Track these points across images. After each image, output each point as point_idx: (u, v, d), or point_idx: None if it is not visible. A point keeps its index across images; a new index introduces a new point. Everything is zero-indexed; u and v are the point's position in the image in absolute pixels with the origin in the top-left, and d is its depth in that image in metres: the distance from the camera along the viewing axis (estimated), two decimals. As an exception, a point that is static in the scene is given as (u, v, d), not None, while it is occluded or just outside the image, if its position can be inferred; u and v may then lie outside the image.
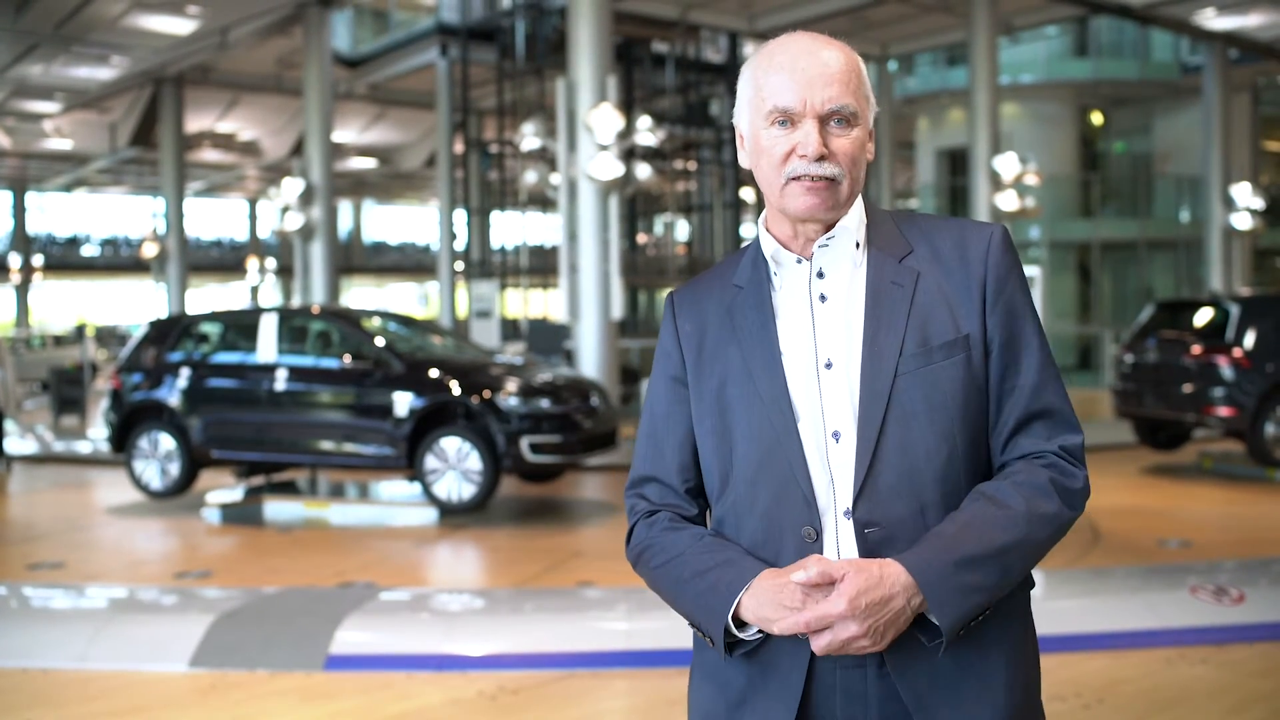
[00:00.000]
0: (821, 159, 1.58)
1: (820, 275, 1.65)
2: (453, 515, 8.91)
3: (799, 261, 1.66)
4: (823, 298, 1.64)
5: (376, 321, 9.90)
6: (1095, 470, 1.81)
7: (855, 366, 1.59)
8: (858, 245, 1.65)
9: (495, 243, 23.63)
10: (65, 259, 40.19)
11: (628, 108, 17.85)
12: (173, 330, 10.01)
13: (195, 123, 26.22)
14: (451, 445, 8.67)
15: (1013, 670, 1.61)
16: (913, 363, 1.58)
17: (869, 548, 1.54)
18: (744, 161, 1.71)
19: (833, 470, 1.58)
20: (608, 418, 9.40)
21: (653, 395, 1.78)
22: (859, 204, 1.67)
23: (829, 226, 1.64)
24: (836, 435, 1.58)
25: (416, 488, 9.12)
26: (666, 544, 1.68)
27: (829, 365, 1.60)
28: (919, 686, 1.55)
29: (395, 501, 9.48)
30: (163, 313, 21.07)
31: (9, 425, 12.96)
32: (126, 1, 16.66)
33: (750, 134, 1.66)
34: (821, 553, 1.57)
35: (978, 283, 1.62)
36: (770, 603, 1.52)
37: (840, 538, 1.57)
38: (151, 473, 9.63)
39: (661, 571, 1.67)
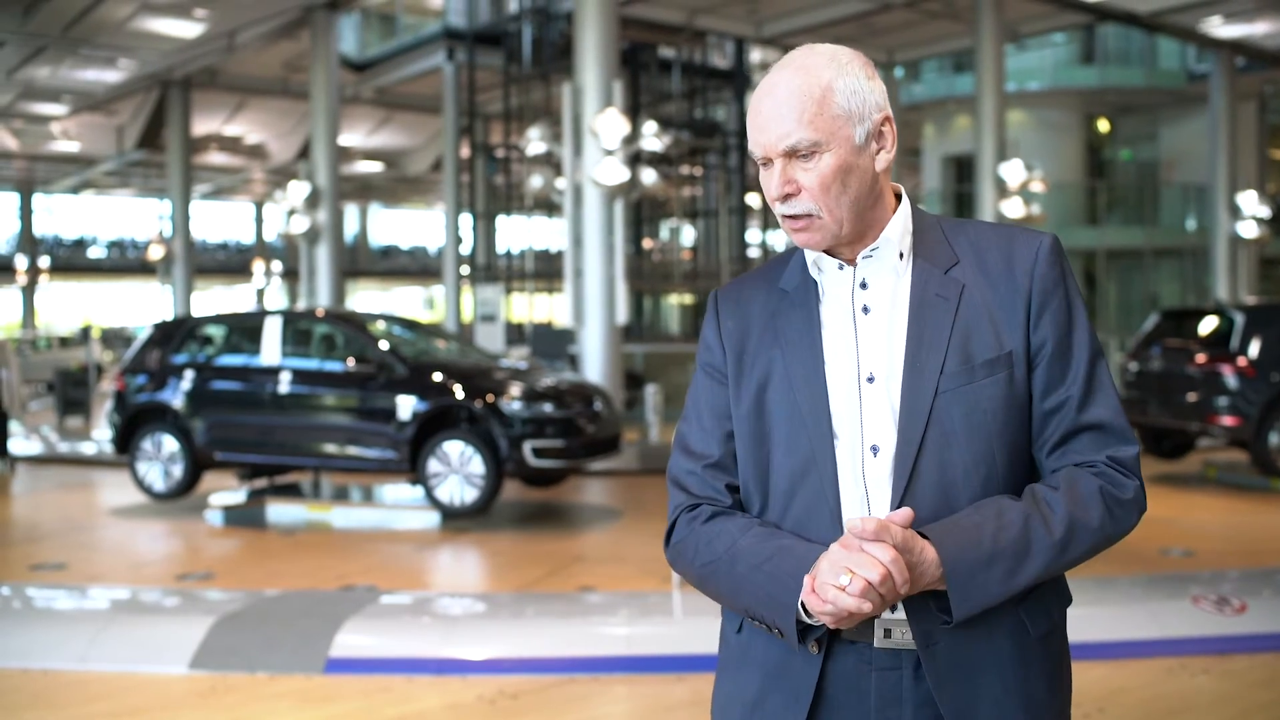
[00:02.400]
0: (788, 197, 1.58)
1: (864, 286, 1.63)
2: (455, 519, 8.91)
3: (841, 268, 1.64)
4: (865, 309, 1.62)
5: (381, 325, 9.91)
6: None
7: (897, 381, 1.58)
8: (901, 256, 1.63)
9: (500, 247, 23.65)
10: (71, 261, 40.25)
11: (634, 113, 17.88)
12: (177, 332, 10.03)
13: (202, 126, 26.26)
14: (454, 449, 8.67)
15: (1052, 690, 1.63)
16: (954, 380, 1.57)
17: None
18: None
19: (868, 484, 1.57)
20: (611, 423, 9.39)
21: (695, 385, 1.77)
22: (904, 212, 1.65)
23: (867, 240, 1.63)
24: (875, 449, 1.58)
25: (419, 491, 9.12)
26: (712, 537, 1.64)
27: (871, 379, 1.59)
28: (959, 699, 1.56)
29: (398, 505, 9.48)
30: (168, 315, 21.11)
31: (14, 426, 12.99)
32: (134, 4, 16.70)
33: None
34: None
35: (1023, 297, 1.60)
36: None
37: None
38: (155, 474, 9.64)
39: (711, 569, 1.63)
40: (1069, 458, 1.58)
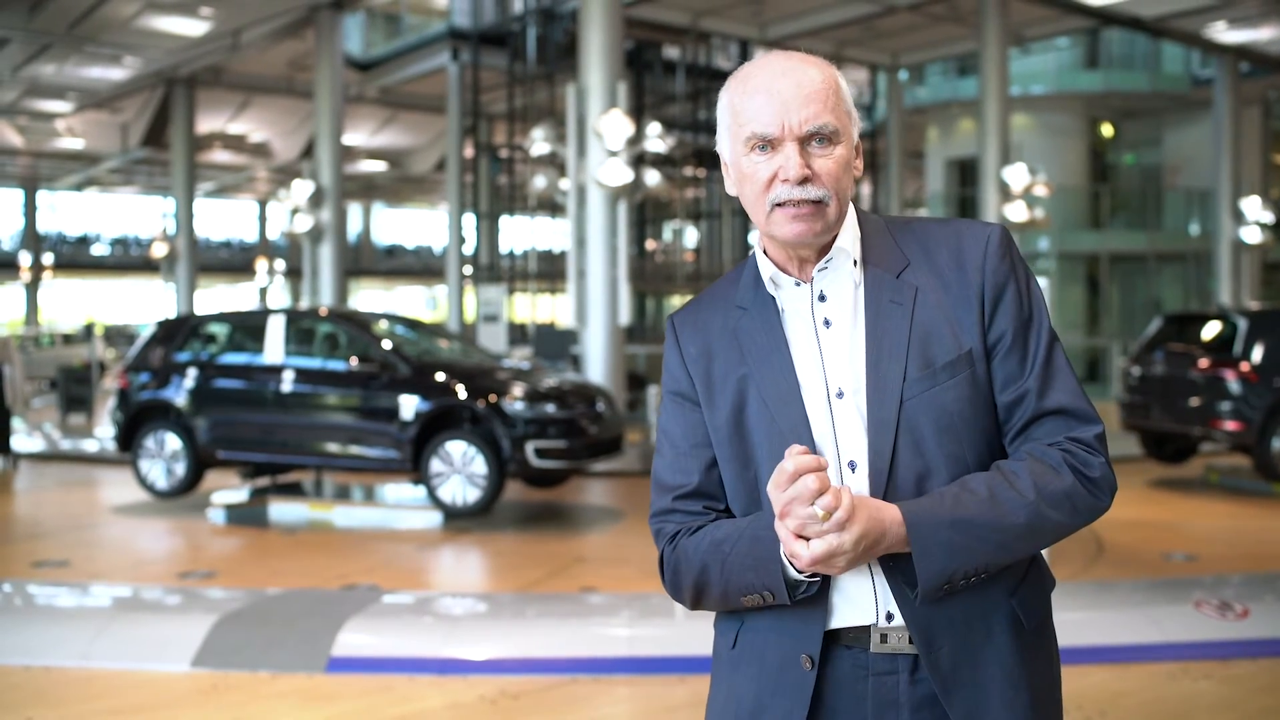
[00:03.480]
0: (805, 181, 1.54)
1: (822, 299, 1.62)
2: (457, 519, 8.92)
3: (798, 285, 1.63)
4: (827, 323, 1.61)
5: (384, 324, 9.91)
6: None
7: (864, 395, 1.57)
8: (855, 263, 1.62)
9: (504, 247, 23.66)
10: (75, 258, 40.29)
11: (638, 114, 17.88)
12: (180, 330, 10.04)
13: (206, 124, 26.28)
14: (457, 449, 8.68)
15: (1051, 683, 1.65)
16: (917, 387, 1.56)
17: (897, 578, 1.54)
18: (729, 189, 1.67)
19: None
20: (613, 424, 9.39)
21: (665, 416, 1.74)
22: (851, 218, 1.64)
23: (824, 249, 1.61)
24: (852, 465, 1.57)
25: (421, 491, 9.13)
26: (695, 545, 1.64)
27: (840, 395, 1.59)
28: (968, 702, 1.56)
29: (400, 505, 9.49)
30: (171, 313, 21.12)
31: (16, 423, 13.00)
32: (140, 2, 16.73)
33: (732, 161, 1.63)
34: (834, 584, 1.57)
35: (975, 292, 1.59)
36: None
37: (872, 567, 1.56)
38: (157, 472, 9.65)
39: (702, 575, 1.63)
40: (1032, 442, 1.59)
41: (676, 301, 26.45)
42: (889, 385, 1.56)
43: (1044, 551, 1.67)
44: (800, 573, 1.52)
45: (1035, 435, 1.58)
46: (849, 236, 1.63)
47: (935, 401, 1.56)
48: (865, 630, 1.57)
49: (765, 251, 1.67)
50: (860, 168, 1.63)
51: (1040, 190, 16.70)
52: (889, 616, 1.56)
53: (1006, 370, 1.59)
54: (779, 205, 1.56)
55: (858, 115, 1.64)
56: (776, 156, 1.56)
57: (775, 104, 1.55)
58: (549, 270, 22.65)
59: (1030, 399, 1.58)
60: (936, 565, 1.49)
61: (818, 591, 1.56)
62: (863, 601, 1.57)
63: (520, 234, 23.79)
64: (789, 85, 1.56)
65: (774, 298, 1.65)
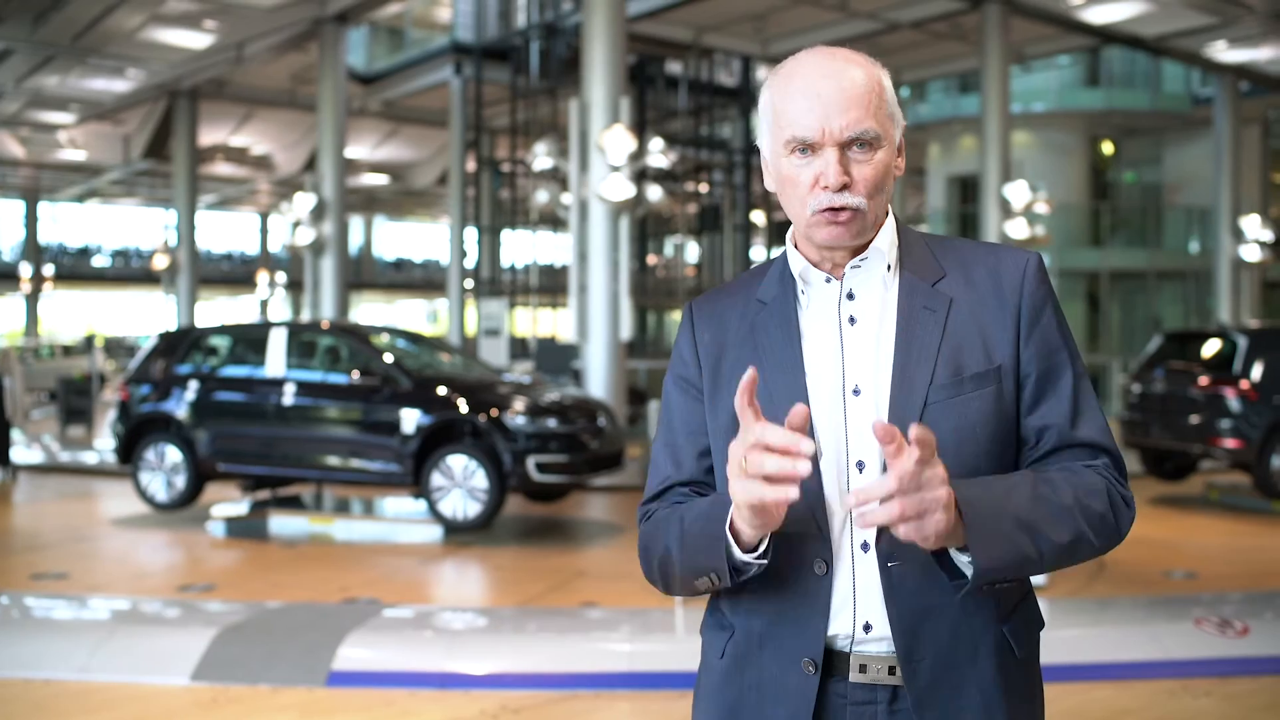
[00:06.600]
0: (844, 188, 1.52)
1: (850, 297, 1.59)
2: (458, 533, 8.91)
3: (828, 281, 1.60)
4: (852, 320, 1.58)
5: (385, 338, 9.93)
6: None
7: (884, 393, 1.53)
8: (889, 267, 1.60)
9: (505, 261, 23.67)
10: (76, 269, 40.36)
11: (640, 129, 17.92)
12: (182, 343, 10.04)
13: (209, 136, 26.33)
14: (458, 463, 8.68)
15: (1029, 713, 1.60)
16: (943, 392, 1.53)
17: (891, 581, 1.50)
18: (768, 185, 1.64)
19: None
20: (615, 438, 9.40)
21: (669, 406, 1.71)
22: (890, 225, 1.61)
23: (859, 249, 1.58)
24: (860, 465, 1.53)
25: (422, 505, 9.12)
26: (660, 527, 1.61)
27: (857, 392, 1.55)
28: (929, 707, 1.52)
29: (400, 518, 9.48)
30: (172, 325, 21.14)
31: (16, 434, 13.00)
32: (144, 15, 16.79)
33: (772, 160, 1.60)
34: (833, 587, 1.53)
35: (1012, 312, 1.57)
36: (744, 489, 1.38)
37: (857, 571, 1.52)
38: (157, 485, 9.64)
39: (666, 553, 1.59)
40: (1062, 461, 1.56)
41: (678, 316, 26.46)
42: (915, 385, 1.53)
43: (1042, 578, 1.66)
44: (746, 551, 1.46)
45: (1065, 458, 1.56)
46: (886, 240, 1.60)
47: (958, 409, 1.53)
48: (845, 659, 1.54)
49: (796, 246, 1.64)
50: (902, 167, 1.61)
51: (1041, 207, 16.75)
52: (867, 627, 1.52)
53: (1040, 394, 1.57)
54: (819, 211, 1.54)
55: (900, 117, 1.60)
56: (816, 161, 1.53)
57: (817, 108, 1.52)
58: (551, 285, 22.66)
59: (1063, 426, 1.56)
60: (993, 556, 1.42)
61: (818, 592, 1.52)
62: (842, 609, 1.53)
63: (522, 248, 23.80)
64: (831, 88, 1.53)
65: (797, 294, 1.62)
